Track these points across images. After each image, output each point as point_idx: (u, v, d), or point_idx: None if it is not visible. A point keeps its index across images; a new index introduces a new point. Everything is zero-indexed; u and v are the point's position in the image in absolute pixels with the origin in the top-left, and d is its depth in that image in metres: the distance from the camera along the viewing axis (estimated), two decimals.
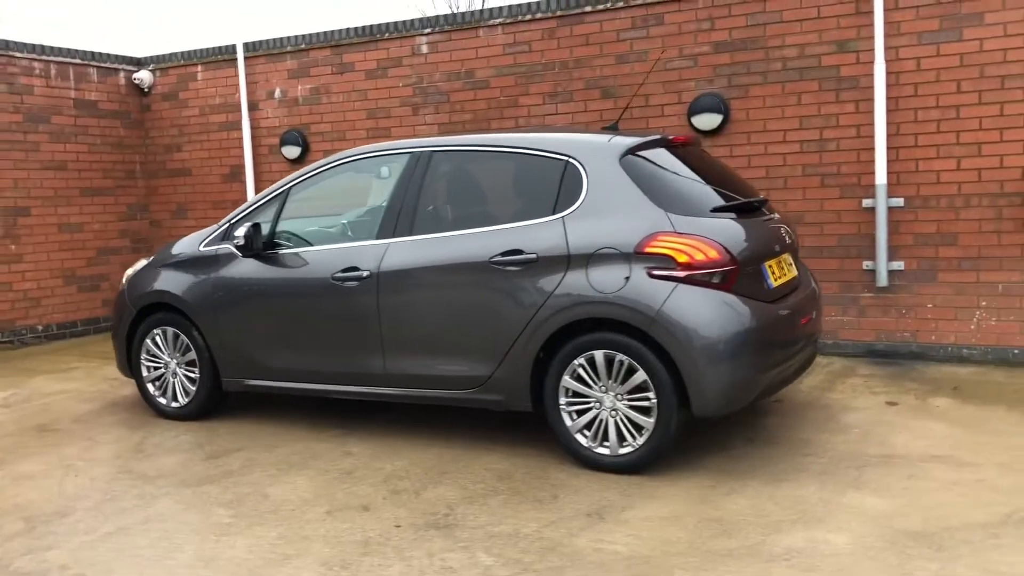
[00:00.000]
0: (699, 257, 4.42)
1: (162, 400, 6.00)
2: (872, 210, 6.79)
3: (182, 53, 9.87)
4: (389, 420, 5.66)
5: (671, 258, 4.41)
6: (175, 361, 5.91)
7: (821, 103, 6.97)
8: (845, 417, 5.39)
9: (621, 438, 4.55)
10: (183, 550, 3.89)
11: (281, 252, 5.47)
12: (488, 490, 4.45)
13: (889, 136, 6.71)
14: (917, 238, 6.74)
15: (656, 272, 4.42)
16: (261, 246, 5.43)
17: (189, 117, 9.89)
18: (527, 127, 7.93)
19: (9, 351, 8.80)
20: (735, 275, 4.48)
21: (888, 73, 6.66)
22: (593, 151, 4.78)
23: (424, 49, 8.47)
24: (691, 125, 7.35)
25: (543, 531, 3.92)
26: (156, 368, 6.01)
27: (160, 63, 10.01)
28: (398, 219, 5.14)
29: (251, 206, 5.69)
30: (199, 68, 9.78)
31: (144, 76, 10.02)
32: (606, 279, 4.50)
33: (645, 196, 4.58)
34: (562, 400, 4.66)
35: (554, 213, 4.72)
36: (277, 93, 9.29)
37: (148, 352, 6.00)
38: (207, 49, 9.68)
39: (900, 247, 6.78)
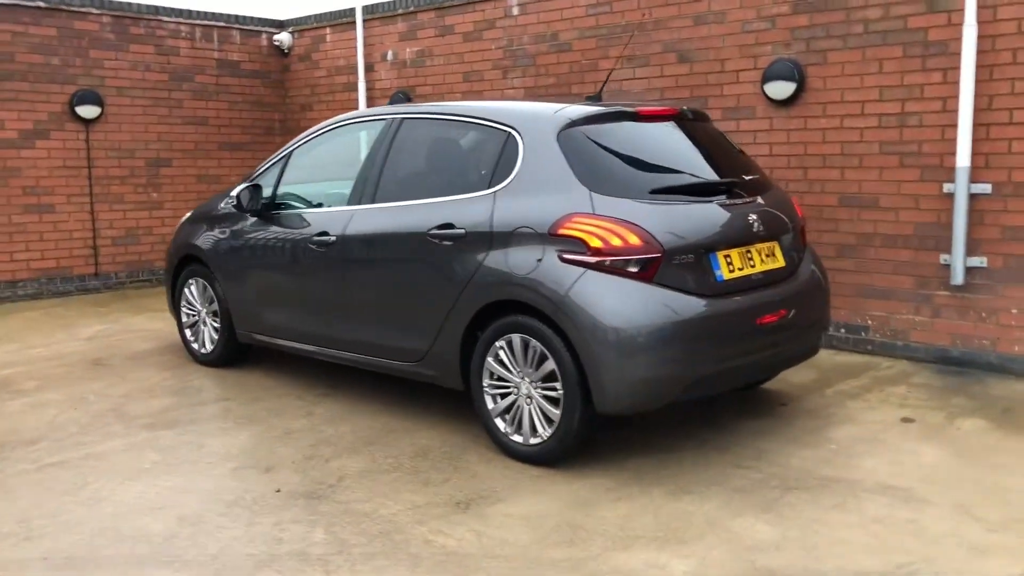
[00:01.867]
0: (615, 243, 4.06)
1: (195, 346, 6.42)
2: (953, 196, 5.89)
3: (315, 16, 10.32)
4: (369, 385, 5.69)
5: (583, 242, 4.09)
6: (204, 310, 6.29)
7: (904, 71, 6.10)
8: (836, 431, 4.78)
9: (534, 427, 4.32)
10: (84, 490, 4.17)
11: (275, 213, 5.64)
12: (393, 466, 4.40)
13: (978, 111, 5.76)
14: (1005, 232, 5.77)
15: (567, 256, 4.12)
16: (255, 207, 5.63)
17: (319, 78, 10.36)
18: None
19: (143, 289, 9.74)
20: (657, 264, 4.08)
21: (980, 37, 5.70)
22: (533, 123, 4.50)
23: (515, 11, 8.30)
24: (764, 94, 6.71)
25: (399, 515, 3.83)
26: (191, 316, 6.43)
27: (298, 25, 10.53)
28: (364, 186, 5.13)
29: (262, 167, 5.90)
30: (327, 30, 10.19)
31: (284, 38, 10.58)
32: (521, 260, 4.26)
33: (572, 174, 4.26)
34: (485, 382, 4.49)
35: (489, 187, 4.52)
36: (389, 55, 9.50)
37: (186, 300, 6.43)
38: (333, 12, 10.06)
39: (984, 241, 5.84)
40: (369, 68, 9.69)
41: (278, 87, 10.74)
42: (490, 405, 4.49)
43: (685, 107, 5.04)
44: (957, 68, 5.80)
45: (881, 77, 6.19)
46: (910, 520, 3.68)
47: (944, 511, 3.76)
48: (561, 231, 4.15)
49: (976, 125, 5.76)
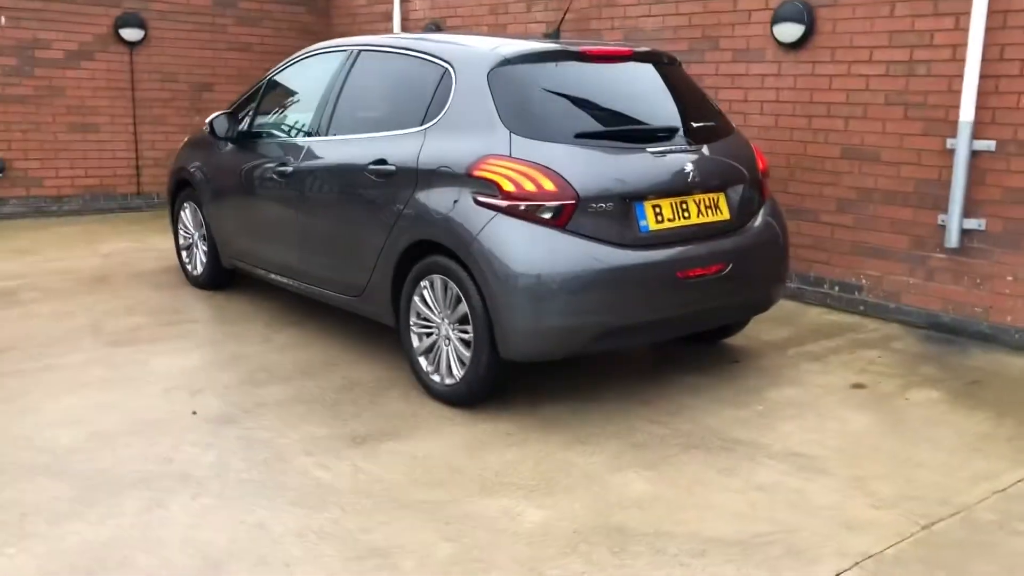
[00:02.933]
0: (528, 187, 3.97)
1: (188, 268, 6.63)
2: (954, 152, 5.51)
3: None
4: (338, 318, 5.75)
5: (497, 184, 4.01)
6: (197, 234, 6.47)
7: (916, 16, 5.68)
8: (774, 392, 4.61)
9: (450, 368, 4.32)
10: (21, 400, 4.39)
11: (248, 141, 5.71)
12: (314, 397, 4.47)
13: (987, 61, 5.34)
14: (1007, 193, 5.38)
15: (480, 198, 4.05)
16: (228, 135, 5.70)
17: (359, 6, 10.34)
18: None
19: None
20: (570, 211, 3.97)
21: None
22: (467, 60, 4.40)
23: None
24: (773, 36, 6.37)
25: (292, 445, 3.91)
26: (186, 238, 6.62)
27: None
28: (320, 118, 5.14)
29: (244, 96, 5.96)
30: None
31: None
32: (440, 200, 4.21)
33: (496, 114, 4.16)
34: (412, 320, 4.50)
35: (421, 124, 4.46)
36: None
37: (182, 223, 6.62)
38: None
39: (984, 202, 5.46)
40: None
41: (323, 15, 10.78)
42: (415, 344, 4.50)
43: (642, 48, 4.84)
44: (969, 13, 5.38)
45: (891, 21, 5.79)
46: (796, 490, 3.55)
47: (838, 483, 3.61)
48: (476, 173, 4.07)
49: (984, 77, 5.35)
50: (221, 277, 6.38)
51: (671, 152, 4.32)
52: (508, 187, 3.98)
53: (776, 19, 6.31)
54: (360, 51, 5.08)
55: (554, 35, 4.86)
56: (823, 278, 6.32)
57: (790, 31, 6.22)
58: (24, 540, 3.12)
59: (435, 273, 4.30)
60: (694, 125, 4.58)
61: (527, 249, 3.95)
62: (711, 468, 3.73)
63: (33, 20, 9.06)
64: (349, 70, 5.07)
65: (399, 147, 4.49)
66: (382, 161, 4.54)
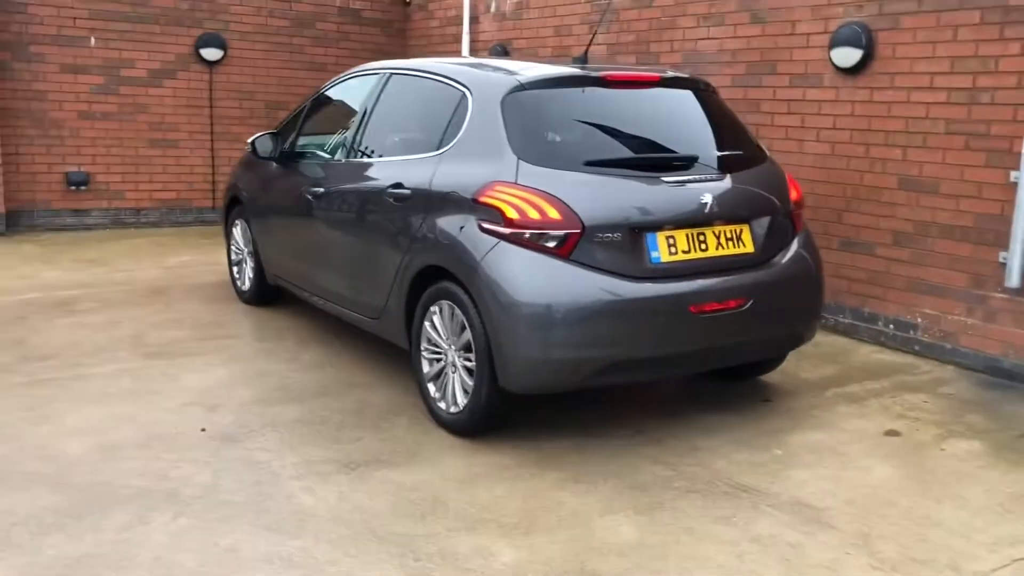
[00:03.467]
0: (532, 215, 3.88)
1: (238, 283, 6.76)
2: (1016, 185, 5.15)
3: None
4: (365, 339, 5.72)
5: (501, 212, 3.93)
6: (247, 250, 6.59)
7: (979, 40, 5.35)
8: (798, 436, 4.37)
9: (456, 397, 4.25)
10: (44, 408, 4.52)
11: (289, 162, 5.78)
12: (322, 419, 4.46)
13: None
14: None
15: (485, 225, 3.98)
16: (271, 155, 5.78)
17: (433, 28, 10.43)
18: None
19: None
20: (575, 240, 3.86)
21: None
22: (484, 85, 4.34)
23: None
24: (831, 60, 6.11)
25: (287, 468, 3.91)
26: (237, 254, 6.76)
27: None
28: (352, 140, 5.17)
29: (288, 116, 6.05)
30: None
31: None
32: (449, 226, 4.16)
33: (507, 140, 4.09)
34: (423, 345, 4.45)
35: (438, 149, 4.42)
36: (492, 7, 9.40)
37: (233, 239, 6.76)
38: None
39: None
40: (474, 20, 9.65)
41: (399, 36, 10.92)
42: (425, 369, 4.45)
43: (672, 73, 4.69)
44: None
45: (954, 46, 5.47)
46: (793, 544, 3.34)
47: (840, 539, 3.38)
48: (482, 199, 4.01)
49: None
50: (267, 293, 6.48)
51: (689, 182, 4.16)
52: (512, 214, 3.90)
53: (834, 43, 6.05)
54: (391, 74, 5.09)
55: (581, 59, 4.75)
56: (877, 315, 6.00)
57: (848, 55, 5.95)
58: (5, 550, 3.18)
59: (444, 299, 4.25)
60: (719, 154, 4.41)
61: (528, 278, 3.86)
62: (707, 516, 3.54)
63: (120, 41, 9.46)
64: (380, 93, 5.09)
65: (416, 171, 4.46)
66: (399, 185, 4.53)
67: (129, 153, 9.66)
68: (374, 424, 4.41)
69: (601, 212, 3.92)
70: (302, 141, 5.80)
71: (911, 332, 5.80)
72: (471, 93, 4.35)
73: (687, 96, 4.61)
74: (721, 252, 4.18)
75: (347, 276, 5.08)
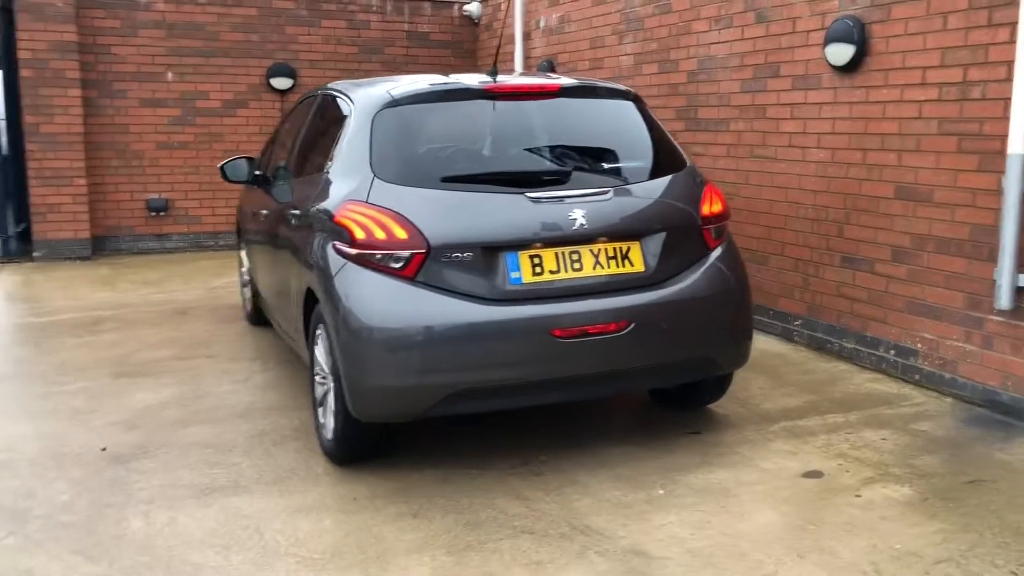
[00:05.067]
0: (378, 235, 3.72)
1: (245, 304, 6.94)
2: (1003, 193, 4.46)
3: None
4: None
5: (349, 232, 3.79)
6: (244, 272, 6.75)
7: (969, 27, 4.69)
8: (697, 474, 3.94)
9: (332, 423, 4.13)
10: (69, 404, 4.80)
11: (253, 185, 5.86)
12: (223, 441, 4.44)
13: None
14: None
15: (337, 245, 3.86)
16: (237, 178, 5.84)
17: (494, 46, 10.37)
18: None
19: None
20: (419, 261, 3.67)
21: None
22: (363, 101, 4.23)
23: None
24: (825, 59, 5.55)
25: (149, 492, 3.91)
26: (243, 276, 6.93)
27: None
28: (285, 162, 5.19)
29: (268, 141, 6.16)
30: None
31: (473, 8, 10.73)
32: (318, 247, 4.06)
33: (368, 157, 3.96)
34: (315, 369, 4.37)
35: (325, 168, 4.33)
36: (542, 23, 9.24)
37: (240, 261, 6.95)
38: None
39: None
40: (526, 36, 9.52)
41: (469, 57, 10.94)
42: (316, 393, 4.36)
43: (578, 81, 4.42)
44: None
45: (944, 36, 4.83)
46: None
47: None
48: (337, 219, 3.88)
49: None
50: (261, 314, 6.60)
51: (560, 198, 3.86)
52: (359, 235, 3.76)
53: (827, 39, 5.50)
54: (322, 95, 5.07)
55: (492, 72, 4.51)
56: (879, 340, 5.36)
57: (840, 52, 5.39)
58: None
59: (320, 322, 4.15)
60: (611, 166, 4.08)
61: (369, 301, 3.70)
62: (520, 560, 3.24)
63: (195, 74, 10.00)
64: (311, 115, 5.07)
65: (307, 191, 4.41)
66: (294, 205, 4.49)
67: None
68: (266, 449, 4.36)
69: (450, 231, 3.71)
70: (264, 164, 5.88)
71: (911, 359, 5.15)
72: (354, 110, 4.25)
73: (592, 105, 4.31)
74: (600, 272, 3.85)
75: (276, 298, 5.09)
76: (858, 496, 3.72)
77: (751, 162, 6.29)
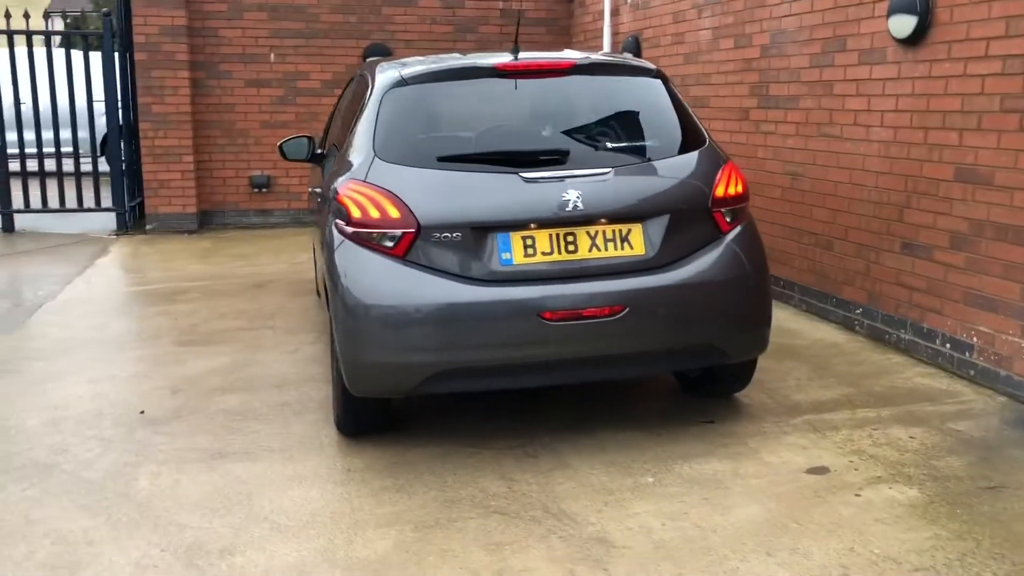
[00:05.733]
0: (373, 214, 3.78)
1: (316, 281, 7.16)
2: None
3: None
4: None
5: (347, 210, 3.86)
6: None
7: None
8: (693, 464, 3.83)
9: None
10: (53, 383, 5.15)
11: (317, 164, 6.02)
12: (250, 409, 4.62)
13: None
14: None
15: (339, 223, 3.94)
16: (297, 157, 6.01)
17: (587, 23, 10.24)
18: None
19: None
20: (409, 240, 3.71)
21: None
22: (380, 81, 4.27)
23: None
24: (888, 31, 5.21)
25: (163, 454, 4.13)
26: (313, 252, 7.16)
27: None
28: (330, 141, 5.30)
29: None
30: None
31: None
32: (327, 224, 4.16)
33: (372, 137, 4.02)
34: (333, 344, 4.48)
35: (345, 145, 4.41)
36: None
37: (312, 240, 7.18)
38: None
39: None
40: (615, 12, 9.35)
41: (564, 33, 10.85)
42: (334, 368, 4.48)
43: (592, 58, 4.33)
44: None
45: (1010, 2, 4.45)
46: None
47: None
48: (338, 198, 3.96)
49: None
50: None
51: (554, 178, 3.80)
52: (356, 213, 3.83)
53: (890, 10, 5.16)
54: (359, 74, 5.16)
55: (515, 50, 4.46)
56: (935, 331, 5.03)
57: (903, 24, 5.05)
58: None
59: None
60: (611, 145, 3.99)
61: (360, 279, 3.78)
62: (480, 540, 3.25)
63: (295, 55, 10.35)
64: (350, 94, 5.18)
65: (331, 168, 4.51)
66: (317, 184, 4.60)
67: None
68: (285, 419, 4.51)
69: (440, 211, 3.73)
70: (322, 143, 6.04)
71: (966, 354, 4.81)
72: (371, 89, 4.31)
73: (608, 83, 4.22)
74: (597, 254, 3.78)
75: (319, 273, 5.24)
76: (857, 496, 3.53)
77: (818, 141, 5.99)
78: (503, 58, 4.24)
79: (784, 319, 6.08)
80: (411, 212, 3.72)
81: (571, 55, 4.44)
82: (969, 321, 4.78)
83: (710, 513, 3.41)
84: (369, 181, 3.86)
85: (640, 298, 3.76)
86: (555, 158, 3.92)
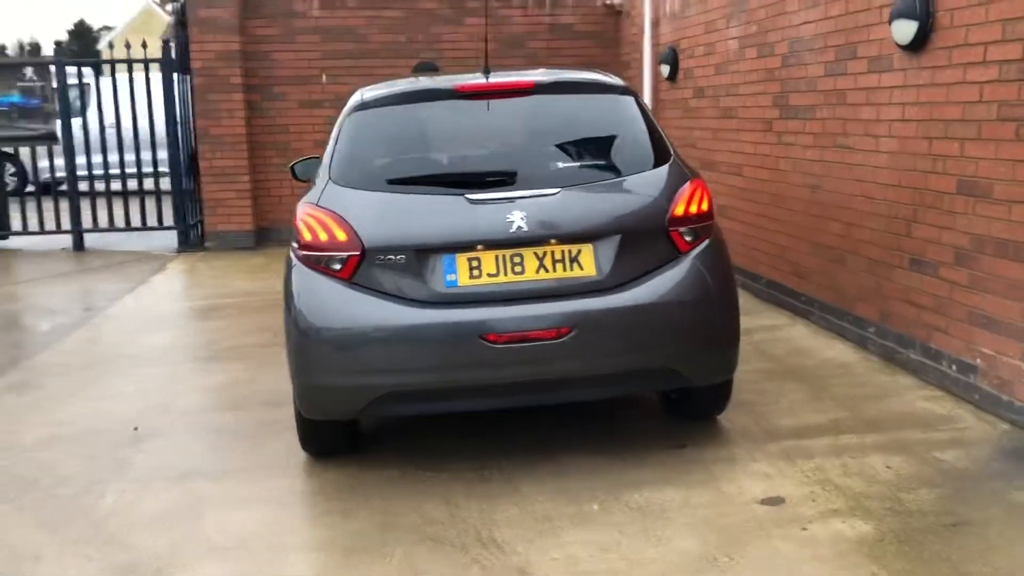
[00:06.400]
0: (321, 237, 3.82)
1: None
2: None
3: None
4: None
5: (299, 233, 3.91)
6: None
7: None
8: (644, 492, 3.71)
9: None
10: (67, 398, 5.39)
11: None
12: (238, 428, 4.72)
13: None
14: None
15: (293, 246, 3.99)
16: (308, 175, 6.09)
17: (633, 34, 10.11)
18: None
19: None
20: (354, 262, 3.72)
21: None
22: (347, 104, 4.30)
23: None
24: (892, 37, 4.97)
25: (137, 472, 4.25)
26: None
27: None
28: None
29: None
30: None
31: None
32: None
33: (330, 161, 4.05)
34: None
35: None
36: (668, 8, 8.89)
37: None
38: None
39: None
40: (655, 23, 9.21)
41: (612, 46, 10.74)
42: None
43: (555, 77, 4.31)
44: None
45: (1007, 4, 4.19)
46: None
47: None
48: (293, 221, 4.02)
49: None
50: None
51: (500, 199, 3.75)
52: (306, 236, 3.87)
53: (892, 15, 4.92)
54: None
55: (486, 71, 4.42)
56: (941, 352, 4.75)
57: (904, 30, 4.81)
58: None
59: None
60: (562, 165, 3.92)
61: (309, 301, 3.81)
62: (403, 568, 3.24)
63: (346, 76, 10.51)
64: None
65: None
66: None
67: None
68: (269, 438, 4.56)
69: (385, 233, 3.73)
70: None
71: (971, 377, 4.53)
72: (342, 113, 4.36)
73: (571, 101, 4.15)
74: (545, 276, 3.72)
75: None
76: (804, 530, 3.35)
77: (833, 152, 5.75)
78: (467, 80, 4.23)
79: (800, 337, 5.86)
80: (356, 235, 3.74)
81: (535, 75, 4.39)
82: (974, 342, 4.50)
83: (643, 545, 3.30)
84: (321, 205, 3.90)
85: (587, 320, 3.67)
86: (503, 179, 3.88)
